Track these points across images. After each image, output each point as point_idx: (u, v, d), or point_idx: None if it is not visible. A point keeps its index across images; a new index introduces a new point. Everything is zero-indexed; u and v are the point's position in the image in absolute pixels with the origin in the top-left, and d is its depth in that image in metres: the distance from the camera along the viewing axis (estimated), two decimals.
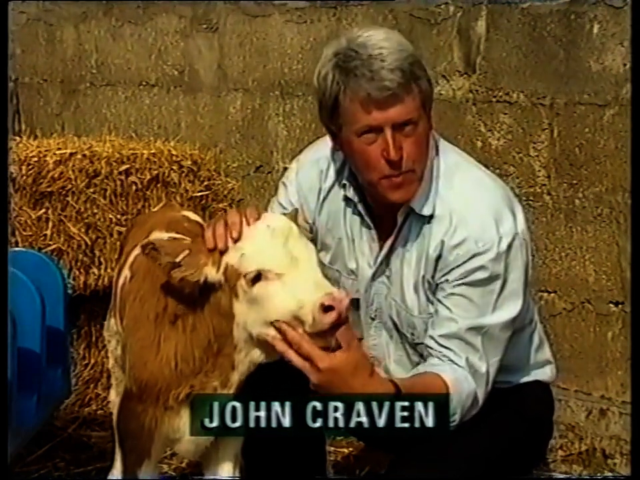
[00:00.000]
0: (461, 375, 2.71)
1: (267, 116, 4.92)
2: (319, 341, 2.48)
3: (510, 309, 2.76)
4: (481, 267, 2.71)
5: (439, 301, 2.76)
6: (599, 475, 3.98)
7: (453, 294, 2.74)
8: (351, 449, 4.12)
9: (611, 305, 3.99)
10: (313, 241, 2.98)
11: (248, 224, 2.56)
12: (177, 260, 2.55)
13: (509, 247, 2.72)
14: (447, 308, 2.74)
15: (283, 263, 2.50)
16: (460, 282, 2.72)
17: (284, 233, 2.55)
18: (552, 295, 4.13)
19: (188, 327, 2.64)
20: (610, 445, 4.03)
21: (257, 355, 2.61)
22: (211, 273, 2.56)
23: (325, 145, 2.96)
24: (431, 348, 2.76)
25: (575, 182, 4.03)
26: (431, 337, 2.76)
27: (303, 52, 4.75)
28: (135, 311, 2.78)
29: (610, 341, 4.00)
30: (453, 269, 2.73)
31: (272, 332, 2.51)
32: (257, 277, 2.50)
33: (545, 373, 3.02)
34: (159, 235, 2.90)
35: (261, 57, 4.92)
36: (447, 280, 2.74)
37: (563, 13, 4.00)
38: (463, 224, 2.73)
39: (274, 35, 4.86)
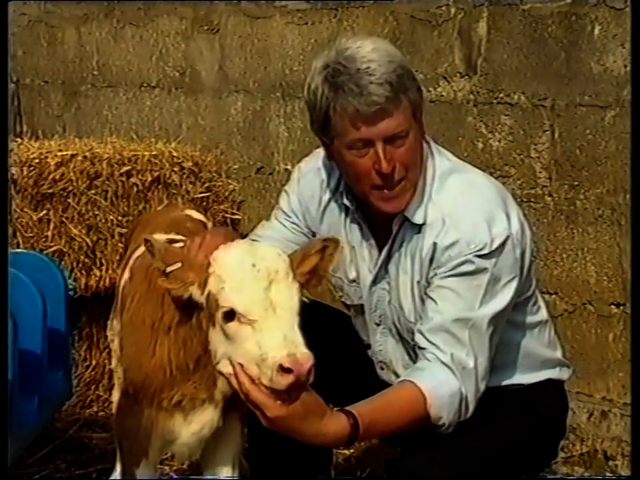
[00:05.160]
0: (441, 378, 2.68)
1: (268, 117, 4.92)
2: (274, 394, 2.44)
3: (500, 300, 2.74)
4: (467, 261, 2.71)
5: (427, 295, 2.76)
6: (599, 476, 3.98)
7: (439, 287, 2.73)
8: (352, 450, 4.12)
9: (612, 307, 3.99)
10: None
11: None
12: (167, 270, 2.54)
13: (502, 246, 2.72)
14: (434, 301, 2.74)
15: (258, 309, 2.46)
16: (447, 274, 2.72)
17: (269, 275, 2.49)
18: (553, 296, 4.12)
19: (180, 339, 2.64)
20: (611, 447, 4.02)
21: None
22: (196, 293, 2.55)
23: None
24: (419, 346, 2.75)
25: (576, 183, 4.03)
26: (419, 331, 2.75)
27: (304, 53, 4.75)
28: (132, 313, 2.78)
29: (611, 342, 4.00)
30: (442, 266, 2.73)
31: (231, 369, 2.50)
32: (231, 315, 2.48)
33: (557, 373, 3.02)
34: (161, 236, 2.91)
35: (262, 58, 4.92)
36: (435, 274, 2.74)
37: (563, 15, 4.00)
38: (454, 226, 2.73)
39: (275, 36, 4.86)
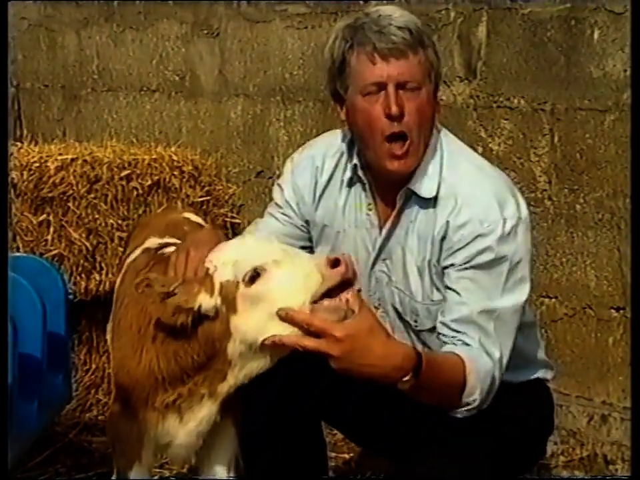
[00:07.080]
0: (476, 352, 2.68)
1: (267, 121, 4.92)
2: (330, 304, 2.45)
3: (520, 293, 2.75)
4: (487, 249, 2.71)
5: (448, 287, 2.75)
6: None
7: (461, 278, 2.72)
8: (351, 454, 4.12)
9: (612, 311, 3.98)
10: (309, 239, 3.00)
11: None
12: (171, 289, 2.53)
13: (514, 229, 2.72)
14: (457, 293, 2.72)
15: (277, 251, 2.54)
16: (466, 265, 2.72)
17: (272, 241, 2.64)
18: (553, 300, 4.12)
19: (170, 352, 2.61)
20: (611, 451, 4.02)
21: (253, 367, 2.59)
22: (205, 300, 2.53)
23: (319, 143, 3.00)
24: (444, 335, 2.73)
25: (575, 187, 4.03)
26: (443, 323, 2.73)
27: (303, 57, 4.75)
28: (120, 317, 2.77)
29: (611, 346, 4.00)
30: (457, 250, 2.73)
31: (278, 328, 2.48)
32: (255, 275, 2.50)
33: (543, 372, 3.02)
34: (155, 240, 2.92)
35: (261, 62, 4.93)
36: (452, 264, 2.74)
37: (563, 19, 4.01)
38: (467, 205, 2.73)
39: (275, 40, 4.86)
